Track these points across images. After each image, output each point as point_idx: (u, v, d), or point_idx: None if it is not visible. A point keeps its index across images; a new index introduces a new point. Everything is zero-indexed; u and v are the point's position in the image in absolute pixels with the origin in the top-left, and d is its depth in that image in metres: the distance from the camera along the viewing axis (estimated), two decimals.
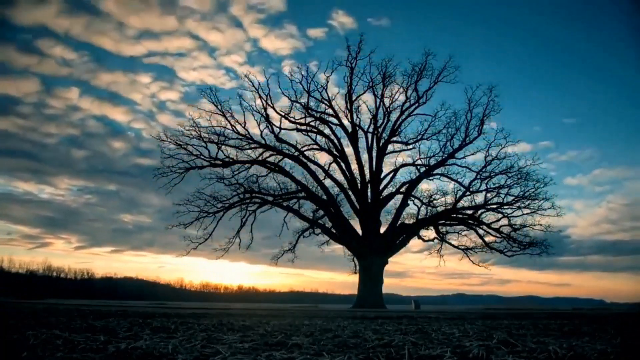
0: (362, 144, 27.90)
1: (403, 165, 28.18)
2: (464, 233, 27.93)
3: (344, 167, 27.44)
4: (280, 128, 27.17)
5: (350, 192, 27.34)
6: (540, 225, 25.33)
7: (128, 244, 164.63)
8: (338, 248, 28.41)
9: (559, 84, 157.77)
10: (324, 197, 26.73)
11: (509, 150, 26.21)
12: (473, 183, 26.76)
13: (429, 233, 28.65)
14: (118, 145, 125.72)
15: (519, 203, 25.83)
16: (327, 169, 27.39)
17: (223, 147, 25.88)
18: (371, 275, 25.95)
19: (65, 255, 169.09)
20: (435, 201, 27.81)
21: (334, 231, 27.19)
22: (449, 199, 27.41)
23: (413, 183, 27.56)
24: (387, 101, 27.67)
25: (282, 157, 26.88)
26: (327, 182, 27.04)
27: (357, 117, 27.93)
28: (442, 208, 27.36)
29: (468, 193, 26.79)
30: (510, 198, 26.06)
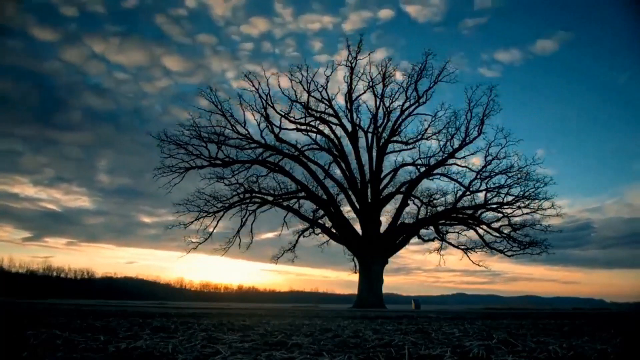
0: (362, 143, 27.95)
1: (403, 165, 28.20)
2: (464, 233, 27.99)
3: (344, 167, 27.44)
4: (280, 128, 27.21)
5: (350, 192, 27.32)
6: (540, 225, 25.38)
7: (82, 234, 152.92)
8: (338, 247, 28.35)
9: None
10: (324, 197, 26.71)
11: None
12: (473, 183, 26.81)
13: (429, 233, 28.69)
14: None
15: (519, 203, 25.85)
16: (327, 168, 27.39)
17: (223, 147, 25.88)
18: (371, 275, 25.94)
19: (19, 248, 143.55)
20: (435, 201, 27.84)
21: (334, 231, 27.18)
22: (449, 198, 27.47)
23: (413, 183, 27.55)
24: (387, 101, 27.72)
25: (282, 157, 26.86)
26: (327, 182, 27.04)
27: (357, 116, 27.98)
28: (442, 208, 27.38)
29: (468, 193, 26.82)
30: (510, 198, 26.12)
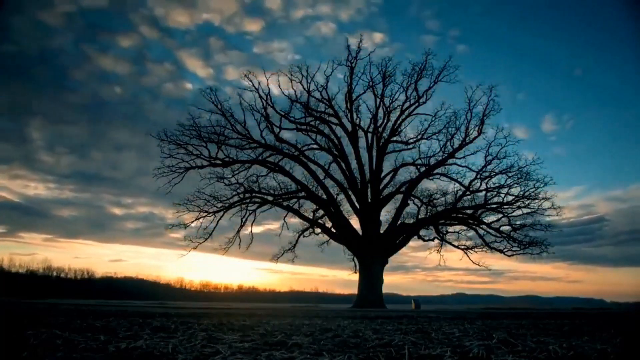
0: (362, 143, 27.92)
1: (403, 165, 28.18)
2: (464, 232, 28.00)
3: (344, 166, 27.44)
4: (281, 128, 27.20)
5: (350, 192, 27.32)
6: (540, 224, 25.38)
7: (58, 229, 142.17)
8: (338, 246, 28.32)
9: None
10: (324, 196, 26.71)
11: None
12: (473, 183, 26.80)
13: (429, 232, 28.68)
14: None
15: (519, 203, 25.85)
16: (327, 168, 27.39)
17: (223, 147, 25.88)
18: (371, 274, 25.94)
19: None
20: (435, 201, 27.83)
21: (334, 231, 27.18)
22: (449, 198, 27.46)
23: (413, 183, 27.54)
24: (387, 101, 27.71)
25: (282, 157, 26.86)
26: (327, 182, 27.04)
27: (357, 116, 27.97)
28: (442, 208, 27.37)
29: (468, 193, 26.81)
30: (510, 198, 26.12)
